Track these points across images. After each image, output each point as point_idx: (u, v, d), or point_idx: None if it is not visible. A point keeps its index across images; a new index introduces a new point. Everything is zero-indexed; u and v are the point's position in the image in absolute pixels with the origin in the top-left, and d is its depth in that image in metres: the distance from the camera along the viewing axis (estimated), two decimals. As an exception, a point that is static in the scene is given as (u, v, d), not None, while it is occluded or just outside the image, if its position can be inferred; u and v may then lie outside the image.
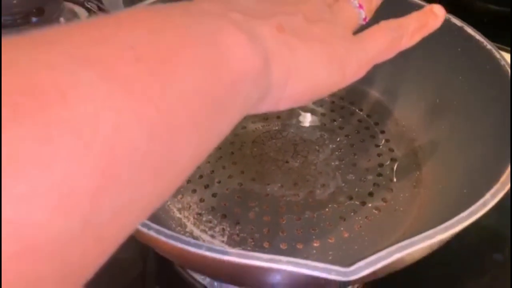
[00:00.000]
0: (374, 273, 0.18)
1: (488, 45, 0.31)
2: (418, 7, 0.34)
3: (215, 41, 0.15)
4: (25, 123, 0.09)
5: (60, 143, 0.10)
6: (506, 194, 0.21)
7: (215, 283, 0.31)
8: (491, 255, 0.34)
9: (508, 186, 0.21)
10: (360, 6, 0.23)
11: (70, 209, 0.10)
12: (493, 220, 0.36)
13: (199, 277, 0.32)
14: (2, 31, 0.58)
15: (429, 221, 0.29)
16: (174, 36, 0.14)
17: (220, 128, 0.16)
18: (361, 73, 0.22)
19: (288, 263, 0.18)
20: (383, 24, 0.22)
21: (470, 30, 0.33)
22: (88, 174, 0.10)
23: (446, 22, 0.34)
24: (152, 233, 0.20)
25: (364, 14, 0.24)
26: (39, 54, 0.11)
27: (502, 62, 0.30)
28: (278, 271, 0.19)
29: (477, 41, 0.32)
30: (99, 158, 0.10)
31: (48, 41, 0.12)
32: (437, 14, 0.24)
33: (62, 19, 0.60)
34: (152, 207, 0.14)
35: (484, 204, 0.21)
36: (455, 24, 0.33)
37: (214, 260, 0.19)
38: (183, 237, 0.19)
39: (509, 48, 0.45)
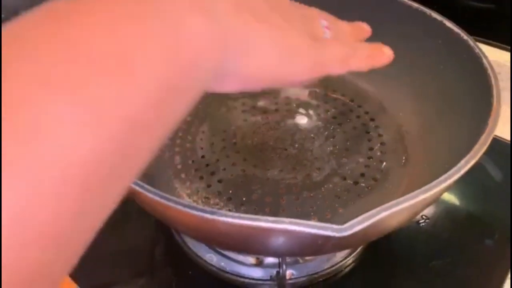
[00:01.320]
0: (365, 230, 0.21)
1: (465, 36, 0.34)
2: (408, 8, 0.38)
3: (173, 25, 0.14)
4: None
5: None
6: (493, 182, 0.24)
7: (222, 263, 0.34)
8: (483, 241, 0.37)
9: (480, 154, 0.24)
10: (327, 28, 0.24)
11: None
12: (483, 210, 0.39)
13: (206, 257, 0.35)
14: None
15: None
16: (132, 29, 0.13)
17: (181, 109, 0.16)
18: (312, 73, 0.22)
19: (291, 223, 0.21)
20: (343, 39, 0.24)
21: (448, 23, 0.36)
22: None
23: (428, 17, 0.37)
24: (171, 204, 0.22)
25: (329, 35, 0.24)
26: None
27: (476, 50, 0.33)
28: (281, 231, 0.22)
29: (456, 33, 0.35)
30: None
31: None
32: (384, 52, 0.27)
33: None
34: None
35: (458, 170, 0.24)
36: (435, 19, 0.37)
37: (225, 223, 0.22)
38: (199, 206, 0.22)
39: (494, 42, 0.48)
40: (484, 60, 0.32)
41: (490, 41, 0.47)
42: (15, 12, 0.13)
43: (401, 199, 0.22)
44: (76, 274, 0.32)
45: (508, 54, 0.47)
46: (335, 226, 0.21)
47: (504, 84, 0.46)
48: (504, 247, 0.36)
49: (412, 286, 0.34)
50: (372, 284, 0.35)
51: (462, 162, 0.24)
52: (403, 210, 0.22)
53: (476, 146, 0.25)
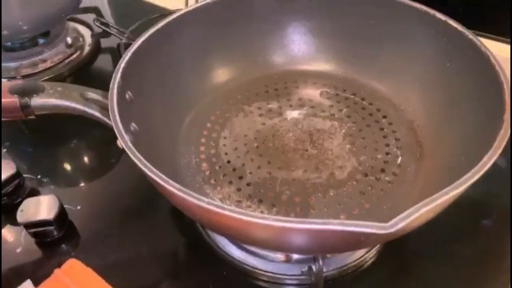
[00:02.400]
0: (406, 226, 0.23)
1: (470, 35, 0.36)
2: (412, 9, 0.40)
3: None
4: None
5: None
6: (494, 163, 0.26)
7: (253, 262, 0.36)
8: (480, 222, 0.39)
9: (500, 150, 0.27)
10: None
11: None
12: (480, 191, 0.41)
13: (238, 257, 0.36)
14: (13, 54, 0.61)
15: (435, 187, 0.34)
16: None
17: None
18: None
19: (339, 224, 0.23)
20: None
21: (453, 22, 0.38)
22: None
23: (432, 17, 0.39)
24: (212, 207, 0.24)
25: None
26: None
27: (483, 48, 0.35)
28: (330, 232, 0.24)
29: (460, 31, 0.37)
30: None
31: None
32: None
33: (68, 39, 0.63)
34: None
35: (483, 166, 0.26)
36: (440, 19, 0.39)
37: (274, 228, 0.23)
38: (251, 213, 0.24)
39: (485, 34, 0.50)
40: (491, 58, 0.34)
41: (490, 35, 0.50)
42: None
43: (436, 196, 0.24)
44: (110, 278, 0.34)
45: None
46: (381, 225, 0.23)
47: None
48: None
49: (434, 270, 0.36)
50: (395, 271, 0.37)
51: (485, 158, 0.26)
52: (438, 206, 0.24)
53: (496, 143, 0.27)
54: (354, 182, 0.37)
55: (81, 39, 0.66)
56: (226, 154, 0.40)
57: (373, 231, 0.23)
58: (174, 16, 0.40)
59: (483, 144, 0.30)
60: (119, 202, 0.44)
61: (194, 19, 0.42)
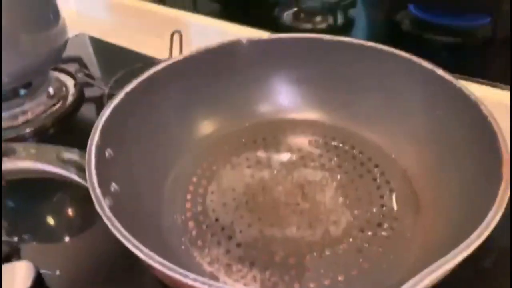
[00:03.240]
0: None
1: (457, 84, 0.36)
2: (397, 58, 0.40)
3: None
4: None
5: None
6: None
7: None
8: (479, 264, 0.37)
9: (504, 206, 0.25)
10: None
11: None
12: None
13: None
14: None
15: (435, 243, 0.32)
16: None
17: None
18: None
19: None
20: None
21: (439, 71, 0.38)
22: None
23: (418, 66, 0.39)
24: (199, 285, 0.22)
25: None
26: None
27: (472, 97, 0.34)
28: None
29: (447, 80, 0.37)
30: None
31: None
32: None
33: (50, 89, 0.62)
34: None
35: (488, 224, 0.24)
36: (426, 68, 0.38)
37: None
38: (244, 290, 0.22)
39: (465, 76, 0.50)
40: (482, 107, 0.33)
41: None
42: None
43: (442, 261, 0.23)
44: None
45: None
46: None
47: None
48: None
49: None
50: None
51: (489, 215, 0.25)
52: (444, 273, 0.23)
53: (498, 198, 0.26)
54: (350, 239, 0.34)
55: (64, 88, 0.64)
56: (214, 211, 0.38)
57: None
58: (157, 68, 0.39)
59: (483, 195, 0.29)
60: (102, 265, 0.41)
61: (178, 71, 0.41)
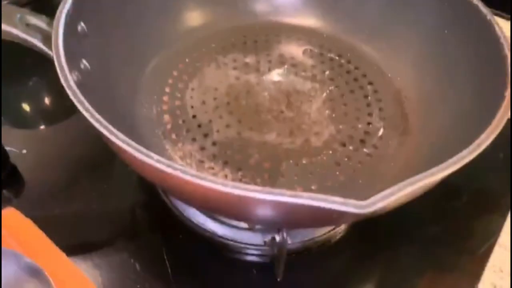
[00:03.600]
0: (387, 206, 0.20)
1: (474, 0, 0.33)
2: None
3: None
4: None
5: None
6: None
7: (213, 227, 0.33)
8: (450, 203, 0.37)
9: (499, 129, 0.24)
10: None
11: None
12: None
13: (197, 220, 0.33)
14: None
15: (416, 164, 0.31)
16: None
17: None
18: None
19: (309, 197, 0.20)
20: None
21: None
22: None
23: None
24: (179, 173, 0.20)
25: None
26: None
27: (488, 17, 0.31)
28: (299, 205, 0.20)
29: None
30: None
31: None
32: None
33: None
34: None
35: (479, 145, 0.23)
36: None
37: (239, 197, 0.20)
38: (210, 177, 0.20)
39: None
40: (497, 28, 0.31)
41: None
42: None
43: (421, 175, 0.21)
44: (51, 232, 0.30)
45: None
46: (357, 202, 0.20)
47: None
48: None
49: (406, 251, 0.34)
50: (364, 250, 0.35)
51: (483, 136, 0.23)
52: (422, 187, 0.21)
53: (495, 120, 0.24)
54: (330, 151, 0.33)
55: None
56: (192, 107, 0.35)
57: (349, 209, 0.20)
58: None
59: (476, 123, 0.27)
60: (72, 150, 0.40)
61: None
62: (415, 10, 0.38)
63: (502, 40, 0.30)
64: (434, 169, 0.21)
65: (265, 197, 0.20)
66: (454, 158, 0.22)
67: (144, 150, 0.21)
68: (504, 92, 0.26)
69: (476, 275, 0.32)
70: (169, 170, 0.20)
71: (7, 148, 0.38)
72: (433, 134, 0.33)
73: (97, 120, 0.22)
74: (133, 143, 0.22)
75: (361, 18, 0.41)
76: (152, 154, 0.21)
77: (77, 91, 0.24)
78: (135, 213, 0.36)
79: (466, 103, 0.31)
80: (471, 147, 0.22)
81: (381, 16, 0.40)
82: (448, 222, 0.36)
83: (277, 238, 0.30)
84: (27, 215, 0.32)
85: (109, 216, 0.36)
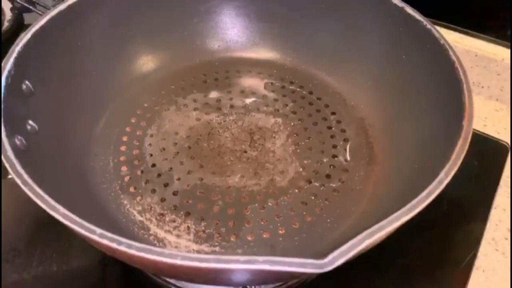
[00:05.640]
0: (346, 261, 0.19)
1: (428, 24, 0.32)
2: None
3: None
4: None
5: None
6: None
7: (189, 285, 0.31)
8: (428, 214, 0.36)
9: (459, 162, 0.23)
10: None
11: None
12: None
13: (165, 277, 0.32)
14: None
15: (384, 197, 0.30)
16: None
17: None
18: None
19: (265, 262, 0.19)
20: None
21: (410, 10, 0.34)
22: None
23: (386, 3, 0.35)
24: (123, 248, 0.19)
25: None
26: None
27: (441, 41, 0.31)
28: (255, 270, 0.19)
29: (417, 20, 0.33)
30: None
31: None
32: None
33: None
34: None
35: (440, 182, 0.22)
36: (396, 5, 0.34)
37: (191, 268, 0.19)
38: (157, 249, 0.19)
39: (451, 25, 0.47)
40: (451, 52, 0.30)
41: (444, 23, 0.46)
42: None
43: (383, 223, 0.20)
44: None
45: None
46: (315, 262, 0.19)
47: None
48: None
49: (383, 285, 0.33)
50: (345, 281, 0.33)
51: (442, 174, 0.22)
52: (385, 235, 0.20)
53: (454, 155, 0.23)
54: (296, 190, 0.32)
55: (-2, 13, 0.57)
56: (151, 155, 0.34)
57: (307, 270, 0.19)
58: (87, -10, 0.34)
59: (439, 151, 0.26)
60: (27, 207, 0.38)
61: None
62: (372, 37, 0.37)
63: (456, 64, 0.29)
64: (391, 217, 0.20)
65: (218, 266, 0.18)
66: (413, 202, 0.21)
67: (86, 224, 0.20)
68: (461, 120, 0.26)
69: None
70: (113, 245, 0.19)
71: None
72: (397, 164, 0.32)
73: (37, 195, 0.21)
74: (73, 217, 0.20)
75: (318, 48, 0.40)
76: (95, 229, 0.20)
77: (15, 162, 0.22)
78: (99, 271, 0.34)
79: (427, 130, 0.30)
80: (430, 187, 0.22)
81: (336, 45, 0.39)
82: (428, 233, 0.35)
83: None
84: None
85: (71, 277, 0.34)
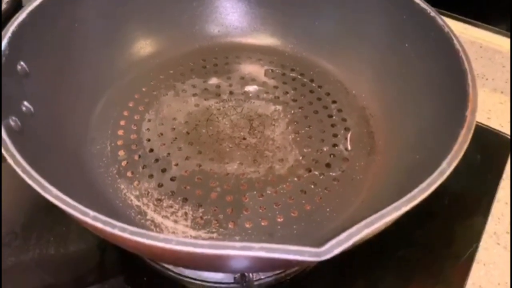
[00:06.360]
0: (343, 251, 0.19)
1: (432, 12, 0.32)
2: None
3: None
4: None
5: None
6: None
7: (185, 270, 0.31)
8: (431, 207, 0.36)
9: (462, 153, 0.23)
10: None
11: None
12: None
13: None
14: None
15: (384, 187, 0.30)
16: None
17: None
18: None
19: (261, 249, 0.18)
20: None
21: (413, -3, 0.33)
22: None
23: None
24: (117, 231, 0.19)
25: None
26: None
27: (446, 29, 0.30)
28: (251, 257, 0.19)
29: (421, 8, 0.33)
30: None
31: None
32: None
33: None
34: None
35: (441, 173, 0.22)
36: (400, -8, 0.34)
37: (186, 253, 0.18)
38: (151, 233, 0.18)
39: (455, 15, 0.46)
40: (455, 41, 0.30)
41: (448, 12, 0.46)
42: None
43: (383, 212, 0.20)
44: (10, 285, 0.28)
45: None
46: (313, 250, 0.18)
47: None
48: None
49: (383, 276, 0.33)
50: (339, 278, 0.33)
51: (444, 164, 0.22)
52: (383, 225, 0.20)
53: (456, 146, 0.23)
54: (295, 179, 0.32)
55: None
56: (149, 140, 0.34)
57: (304, 258, 0.18)
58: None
59: (441, 142, 0.26)
60: (26, 191, 0.37)
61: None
62: (374, 24, 0.37)
63: (461, 54, 0.29)
64: (394, 205, 0.20)
65: (213, 252, 0.18)
66: (413, 193, 0.21)
67: (80, 206, 0.19)
68: (465, 111, 0.25)
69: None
70: (107, 228, 0.19)
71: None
72: (398, 154, 0.32)
73: (30, 176, 0.21)
74: (67, 199, 0.20)
75: (320, 35, 0.40)
76: (88, 211, 0.19)
77: (8, 142, 0.22)
78: (96, 256, 0.34)
79: (428, 120, 0.30)
80: (431, 178, 0.21)
81: (338, 32, 0.39)
82: (430, 226, 0.35)
83: (246, 274, 0.29)
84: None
85: (68, 260, 0.34)
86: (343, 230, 0.19)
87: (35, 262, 0.33)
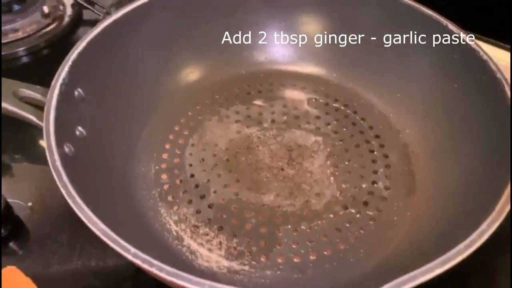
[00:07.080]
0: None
1: (485, 55, 0.31)
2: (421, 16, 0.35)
3: None
4: None
5: None
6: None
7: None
8: None
9: (504, 215, 0.22)
10: None
11: None
12: None
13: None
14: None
15: (421, 234, 0.29)
16: None
17: None
18: None
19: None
20: None
21: (466, 37, 0.32)
22: None
23: (443, 27, 0.34)
24: (154, 270, 0.20)
25: None
26: None
27: (498, 75, 0.29)
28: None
29: (473, 50, 0.32)
30: None
31: None
32: None
33: (45, 7, 0.57)
34: None
35: (480, 235, 0.21)
36: (451, 31, 0.33)
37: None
38: (186, 275, 0.19)
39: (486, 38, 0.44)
40: (506, 88, 0.29)
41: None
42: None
43: (416, 273, 0.20)
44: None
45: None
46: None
47: None
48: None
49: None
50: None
51: (484, 226, 0.21)
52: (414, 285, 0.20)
53: (499, 206, 0.22)
54: (331, 215, 0.32)
55: (61, 7, 0.60)
56: (191, 165, 0.35)
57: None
58: (142, 1, 0.35)
59: (485, 195, 0.25)
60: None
61: (166, 6, 0.36)
62: (424, 60, 0.36)
63: (509, 99, 0.28)
64: (424, 268, 0.20)
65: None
66: (450, 254, 0.20)
67: (122, 242, 0.21)
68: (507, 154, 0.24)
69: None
70: (145, 266, 0.20)
71: (13, 201, 0.38)
72: (439, 197, 0.31)
73: (79, 207, 0.22)
74: (112, 234, 0.21)
75: (367, 67, 0.40)
76: (129, 247, 0.20)
77: (62, 172, 0.24)
78: (133, 273, 0.36)
79: (474, 168, 0.29)
80: (468, 240, 0.21)
81: (388, 66, 0.38)
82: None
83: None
84: (27, 271, 0.31)
85: (109, 274, 0.35)
86: (374, 277, 0.19)
87: (77, 273, 0.35)
